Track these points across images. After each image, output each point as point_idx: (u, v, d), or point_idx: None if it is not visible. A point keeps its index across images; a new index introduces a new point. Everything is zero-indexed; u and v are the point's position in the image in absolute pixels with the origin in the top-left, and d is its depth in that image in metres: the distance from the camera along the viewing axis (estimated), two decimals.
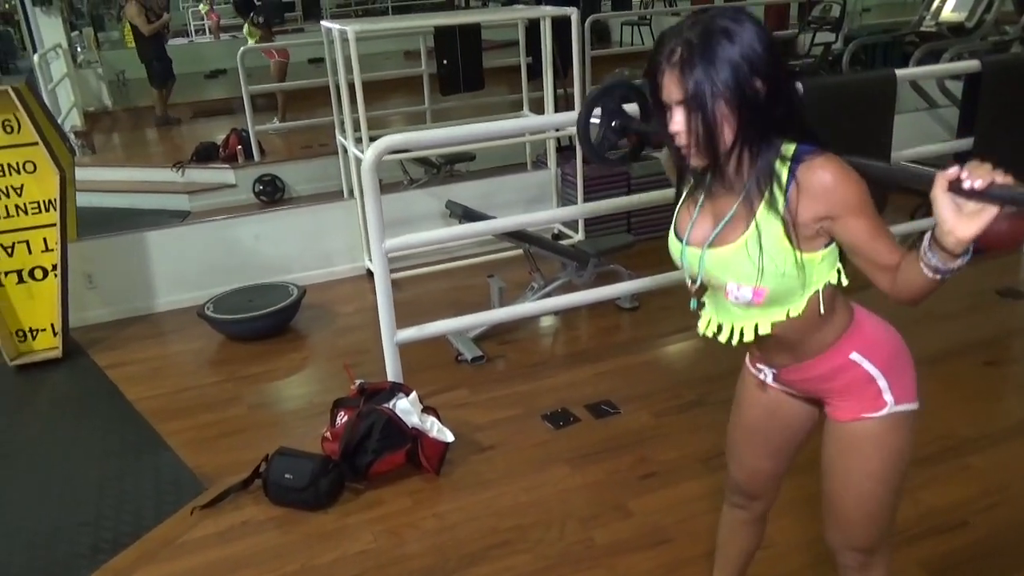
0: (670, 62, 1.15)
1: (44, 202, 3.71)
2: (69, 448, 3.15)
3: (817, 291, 1.28)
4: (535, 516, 2.40)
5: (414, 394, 2.71)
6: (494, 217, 3.67)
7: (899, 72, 3.46)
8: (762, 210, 1.22)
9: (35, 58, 7.01)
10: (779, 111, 1.19)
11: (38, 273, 3.77)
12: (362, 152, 3.40)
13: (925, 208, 4.92)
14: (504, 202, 4.75)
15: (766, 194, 1.22)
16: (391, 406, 2.63)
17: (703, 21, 1.14)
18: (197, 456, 2.94)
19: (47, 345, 3.83)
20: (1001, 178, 0.99)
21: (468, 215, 3.91)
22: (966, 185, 1.00)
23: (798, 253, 1.23)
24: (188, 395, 3.47)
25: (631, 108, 1.74)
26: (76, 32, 9.92)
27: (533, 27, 4.93)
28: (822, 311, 1.30)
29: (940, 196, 1.04)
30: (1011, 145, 3.79)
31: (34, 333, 3.82)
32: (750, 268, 1.25)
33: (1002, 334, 3.48)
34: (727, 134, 1.17)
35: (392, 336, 2.85)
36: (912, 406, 1.37)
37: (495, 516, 2.42)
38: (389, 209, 4.55)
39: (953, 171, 1.02)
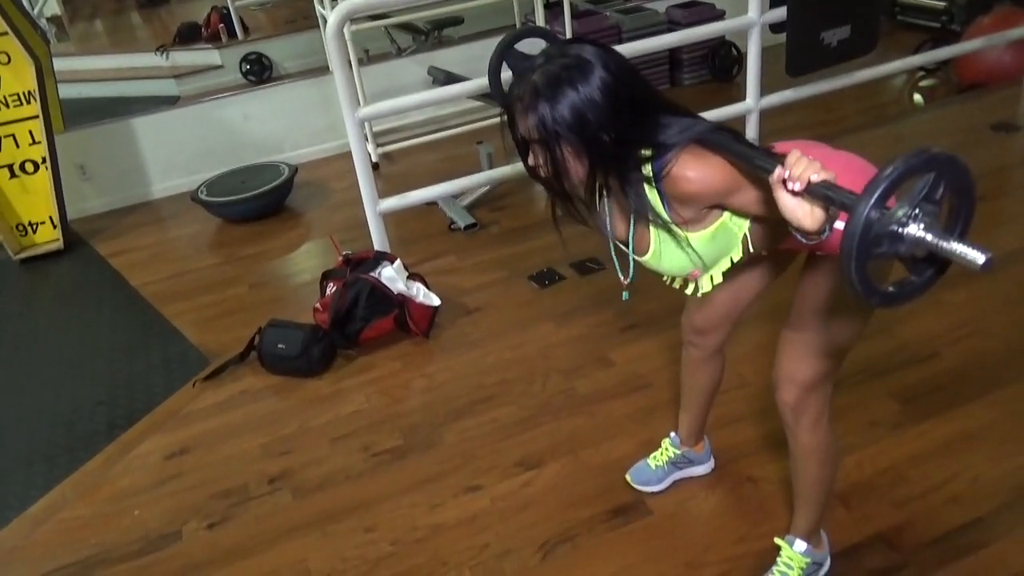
0: (519, 103, 1.17)
1: (23, 94, 3.68)
2: (80, 335, 3.27)
3: (745, 234, 1.31)
4: (519, 371, 2.48)
5: (398, 262, 2.75)
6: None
7: None
8: (654, 233, 1.31)
9: None
10: (630, 148, 1.20)
11: (29, 167, 3.79)
12: None
13: (931, 44, 4.75)
14: None
15: (651, 219, 1.27)
16: (376, 274, 2.68)
17: (552, 69, 1.14)
18: (202, 335, 3.05)
19: (48, 238, 3.91)
20: (817, 176, 0.99)
21: (450, 80, 3.82)
22: (789, 187, 1.01)
23: (705, 232, 1.29)
24: (189, 278, 3.55)
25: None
26: None
27: None
28: (752, 250, 1.33)
29: (777, 193, 1.04)
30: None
31: (34, 227, 3.89)
32: (671, 267, 1.35)
33: (994, 168, 3.42)
34: (578, 171, 1.20)
35: (374, 206, 2.86)
36: None
37: (481, 373, 2.50)
38: (376, 80, 4.50)
39: (778, 172, 1.02)
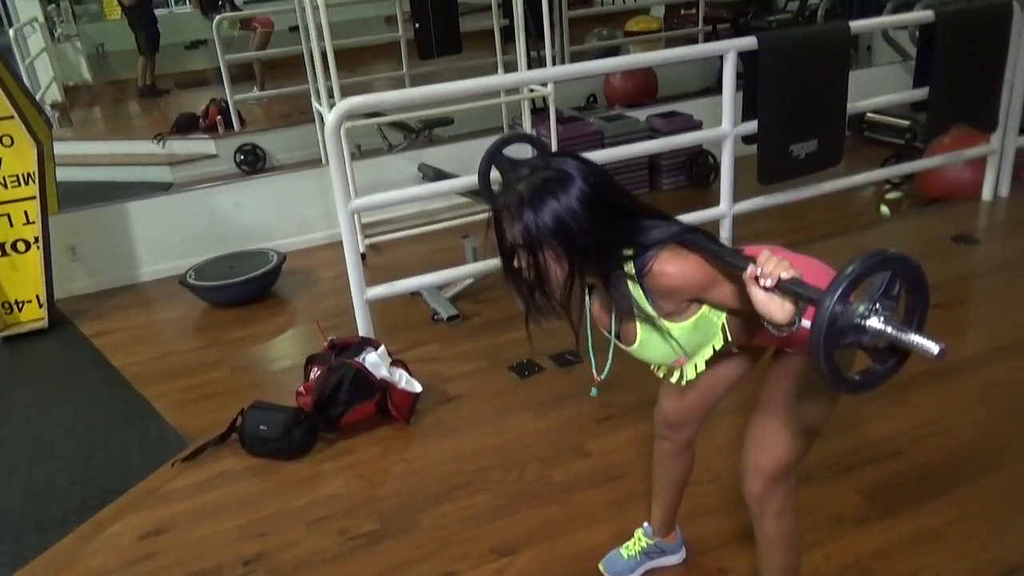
0: (506, 211, 1.27)
1: (23, 175, 3.79)
2: (58, 413, 3.27)
3: (723, 323, 1.41)
4: (497, 459, 2.52)
5: (382, 348, 2.82)
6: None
7: (853, 24, 3.52)
8: (640, 325, 1.39)
9: (11, 32, 7.02)
10: (611, 250, 1.31)
11: (20, 246, 3.86)
12: None
13: (895, 160, 5.03)
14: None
15: (636, 313, 1.37)
16: (360, 359, 2.74)
17: (536, 180, 1.25)
18: (181, 417, 3.06)
19: (33, 316, 3.94)
20: (786, 273, 1.10)
21: (439, 176, 3.99)
22: (761, 283, 1.12)
23: (687, 322, 1.38)
24: (172, 360, 3.58)
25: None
26: (53, 5, 9.87)
27: None
28: (730, 339, 1.42)
29: (750, 289, 1.15)
30: (963, 94, 3.87)
31: (20, 305, 3.93)
32: (657, 356, 1.43)
33: (954, 278, 3.59)
34: (558, 274, 1.29)
35: (361, 293, 2.95)
36: None
37: (460, 460, 2.54)
38: (368, 174, 4.66)
39: (751, 270, 1.13)
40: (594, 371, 1.53)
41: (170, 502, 2.49)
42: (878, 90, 3.73)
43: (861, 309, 1.05)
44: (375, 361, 2.74)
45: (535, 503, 2.30)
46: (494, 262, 3.58)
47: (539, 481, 2.40)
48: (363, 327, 3.05)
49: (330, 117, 2.76)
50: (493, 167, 1.88)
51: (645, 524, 1.99)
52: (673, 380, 1.52)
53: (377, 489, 2.46)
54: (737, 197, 3.58)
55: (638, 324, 1.40)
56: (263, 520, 2.36)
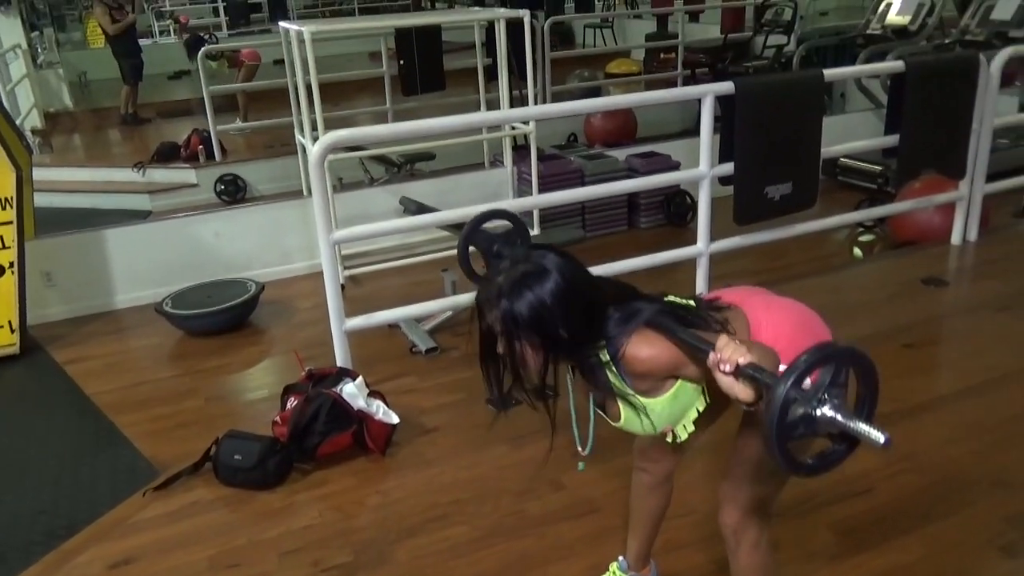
0: (487, 303, 1.35)
1: (1, 200, 3.77)
2: (27, 441, 3.22)
3: (702, 387, 1.47)
4: (473, 491, 2.52)
5: (360, 379, 2.82)
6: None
7: (827, 72, 3.63)
8: (621, 404, 1.47)
9: None
10: (583, 343, 1.38)
11: None
12: None
13: (867, 204, 5.15)
14: (462, 199, 4.83)
15: (616, 395, 1.45)
16: (338, 390, 2.74)
17: (515, 273, 1.33)
18: (154, 446, 3.02)
19: (5, 342, 3.89)
20: (743, 359, 1.17)
21: (421, 210, 4.02)
22: (722, 368, 1.20)
23: (666, 395, 1.45)
24: (146, 388, 3.55)
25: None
26: (37, 33, 9.90)
27: (492, 28, 5.05)
28: (708, 402, 1.49)
29: (715, 373, 1.22)
30: (933, 141, 3.99)
31: None
32: (642, 429, 1.50)
33: (923, 319, 3.67)
34: (535, 363, 1.37)
35: (340, 323, 2.96)
36: None
37: (435, 492, 2.53)
38: (349, 206, 4.69)
39: (712, 357, 1.21)
40: (578, 445, 1.59)
41: (140, 532, 2.45)
42: (851, 136, 3.84)
43: (812, 400, 1.11)
44: (352, 392, 2.74)
45: (510, 536, 2.30)
46: (466, 297, 3.61)
47: (514, 514, 2.40)
48: (341, 358, 3.05)
49: (314, 149, 2.78)
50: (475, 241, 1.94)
51: (620, 558, 1.99)
52: (669, 441, 1.58)
53: (351, 520, 2.44)
54: (714, 237, 3.64)
55: (620, 403, 1.46)
56: (234, 551, 2.33)
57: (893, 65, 3.89)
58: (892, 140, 3.95)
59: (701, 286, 3.74)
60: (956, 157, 4.14)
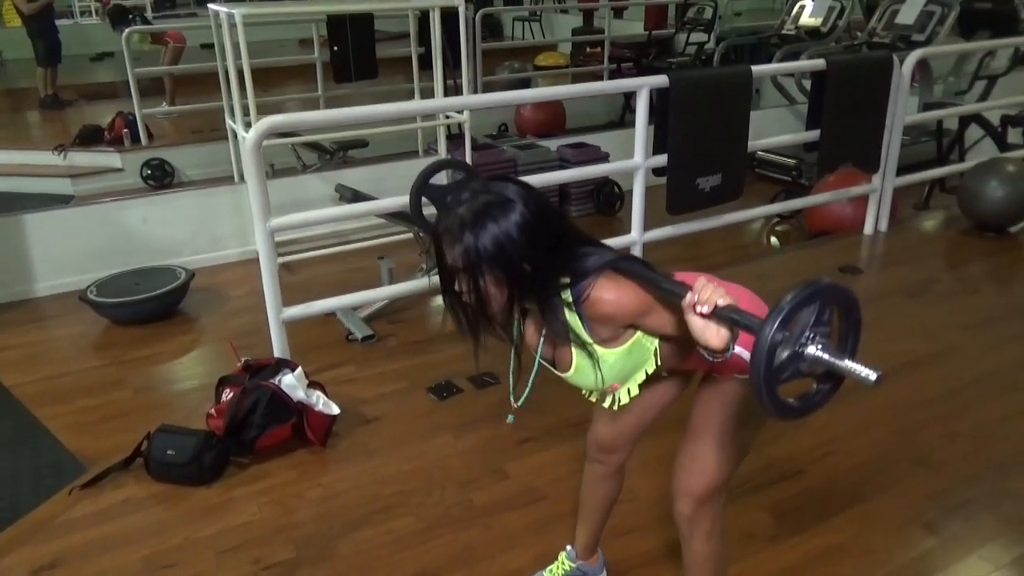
0: (447, 234, 1.28)
1: None
2: None
3: (655, 348, 1.45)
4: (417, 482, 2.51)
5: (299, 369, 2.77)
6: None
7: (755, 68, 3.73)
8: (575, 350, 1.42)
9: None
10: (549, 277, 1.33)
11: None
12: None
13: (784, 195, 5.32)
14: (395, 187, 4.73)
15: (572, 341, 1.40)
16: (276, 381, 2.68)
17: (477, 203, 1.26)
18: (79, 440, 2.91)
19: None
20: (723, 300, 1.15)
21: (357, 198, 3.97)
22: (698, 310, 1.16)
23: (621, 347, 1.42)
24: (69, 379, 3.41)
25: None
26: None
27: (425, 18, 5.00)
28: (660, 364, 1.47)
29: (688, 316, 1.18)
30: (850, 136, 4.16)
31: None
32: (590, 381, 1.45)
33: None
34: (497, 298, 1.31)
35: (278, 313, 2.90)
36: None
37: (378, 484, 2.51)
38: (281, 193, 4.58)
39: (689, 297, 1.17)
40: (512, 398, 1.54)
41: (67, 533, 2.35)
42: (766, 130, 3.96)
43: (799, 338, 1.08)
44: (292, 383, 2.69)
45: (456, 527, 2.30)
46: (411, 284, 3.60)
47: (459, 504, 2.40)
48: (279, 348, 2.99)
49: (250, 135, 2.71)
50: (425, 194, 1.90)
51: (568, 547, 2.01)
52: (606, 405, 1.56)
53: (292, 515, 2.39)
54: (646, 226, 3.72)
55: (573, 351, 1.43)
56: (170, 551, 2.25)
57: (815, 63, 4.02)
58: (813, 135, 4.10)
59: None
60: (871, 152, 4.32)
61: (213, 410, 2.71)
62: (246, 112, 4.04)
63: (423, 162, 5.27)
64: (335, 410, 2.74)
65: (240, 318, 3.91)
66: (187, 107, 6.81)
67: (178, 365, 3.57)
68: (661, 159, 3.61)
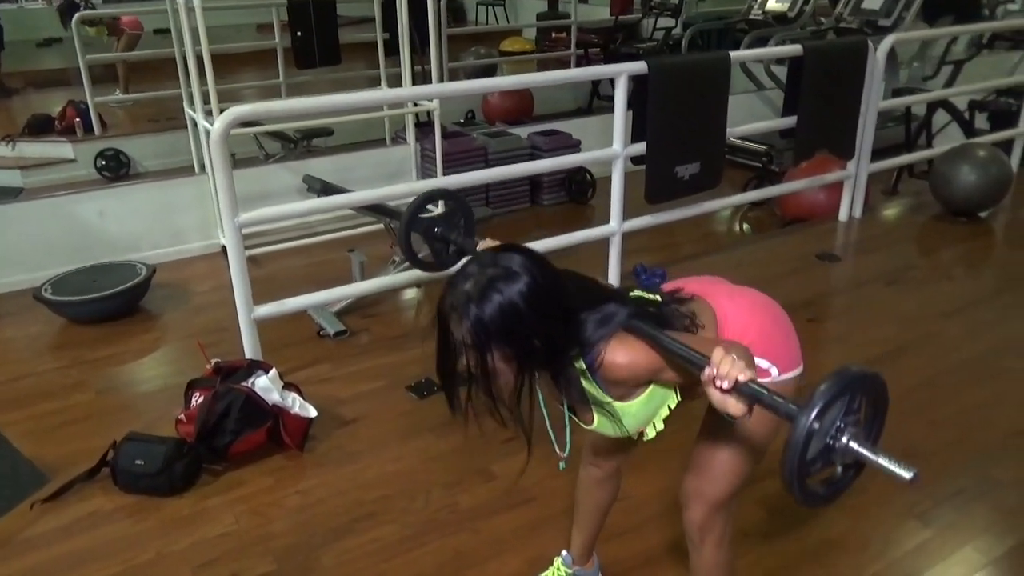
0: (454, 312, 1.24)
1: None
2: None
3: (675, 384, 1.42)
4: (400, 486, 2.42)
5: (274, 371, 2.65)
6: (352, 192, 3.63)
7: (732, 54, 3.68)
8: (596, 415, 1.41)
9: None
10: (559, 351, 1.30)
11: None
12: (212, 125, 3.26)
13: (756, 182, 5.31)
14: (363, 177, 4.70)
15: (593, 409, 1.39)
16: (249, 384, 2.57)
17: (483, 278, 1.22)
18: (38, 447, 2.76)
19: None
20: (743, 375, 1.11)
21: (326, 189, 3.84)
22: (718, 384, 1.12)
23: (640, 398, 1.40)
24: (25, 383, 3.24)
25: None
26: None
27: (389, 2, 4.86)
28: (680, 398, 1.44)
29: (707, 388, 1.16)
30: (827, 121, 4.15)
31: None
32: (615, 432, 1.44)
33: (822, 293, 3.83)
34: (506, 373, 1.27)
35: (249, 312, 2.78)
36: (794, 372, 1.49)
37: (360, 489, 2.42)
38: (244, 184, 4.38)
39: (708, 372, 1.14)
40: (555, 448, 1.52)
41: (29, 551, 2.22)
42: (733, 117, 3.91)
43: (830, 432, 1.06)
44: (266, 386, 2.58)
45: (444, 532, 2.22)
46: (387, 279, 3.49)
47: (446, 508, 2.32)
48: (250, 348, 2.87)
49: (216, 126, 2.58)
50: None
51: (564, 552, 1.95)
52: (635, 439, 1.55)
53: (271, 525, 2.29)
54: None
55: (593, 410, 1.41)
56: (142, 567, 2.14)
57: (792, 49, 3.99)
58: (788, 122, 4.07)
59: (614, 265, 3.76)
60: (847, 138, 4.32)
61: (183, 415, 2.58)
62: (206, 100, 3.87)
63: (391, 151, 5.23)
64: (312, 412, 2.64)
65: (206, 315, 3.76)
66: (142, 95, 6.58)
67: (142, 365, 3.42)
68: (640, 147, 3.55)
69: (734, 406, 1.13)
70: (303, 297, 2.97)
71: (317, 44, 4.85)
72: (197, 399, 2.61)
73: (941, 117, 5.57)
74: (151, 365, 3.43)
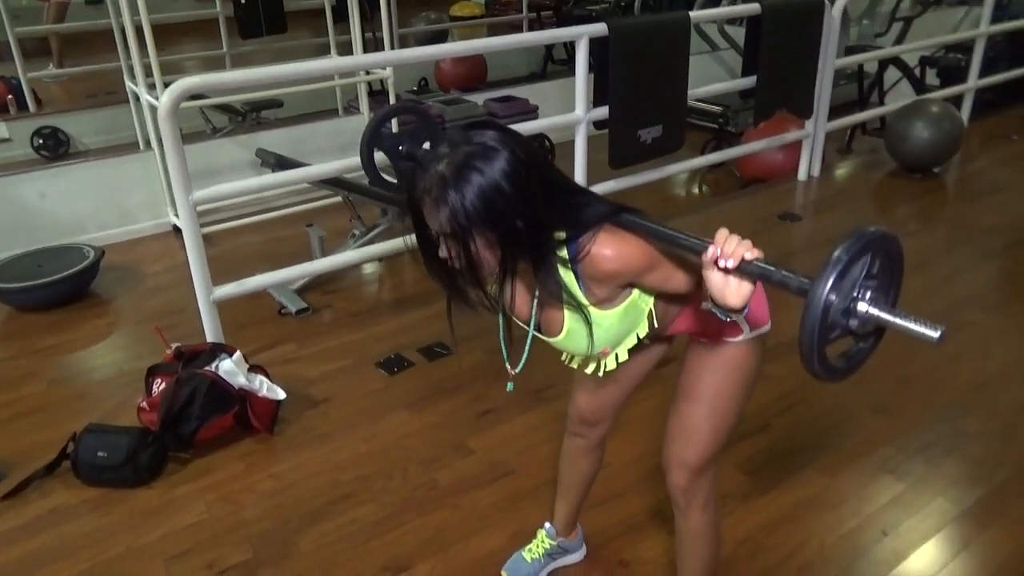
0: (427, 196, 1.12)
1: None
2: None
3: (650, 309, 1.34)
4: (376, 465, 2.37)
5: (238, 353, 2.57)
6: (308, 165, 3.52)
7: (692, 14, 3.64)
8: (567, 313, 1.29)
9: None
10: (545, 233, 1.19)
11: None
12: (157, 99, 3.12)
13: (714, 143, 5.31)
14: (316, 149, 4.57)
15: (566, 303, 1.27)
16: (213, 368, 2.48)
17: (457, 157, 1.10)
18: None
19: None
20: (750, 253, 1.03)
21: (281, 163, 3.73)
22: (721, 264, 1.04)
23: (617, 309, 1.30)
24: None
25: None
26: None
27: None
28: (656, 326, 1.36)
29: (708, 271, 1.07)
30: (786, 80, 4.14)
31: None
32: (582, 346, 1.32)
33: (786, 253, 3.86)
34: (490, 261, 1.17)
35: (208, 294, 2.68)
36: (763, 329, 1.44)
37: (335, 470, 2.36)
38: (192, 160, 4.21)
39: (712, 252, 1.05)
40: (508, 365, 1.41)
41: None
42: (692, 77, 3.87)
43: (849, 296, 0.98)
44: (231, 369, 2.49)
45: (423, 510, 2.18)
46: (345, 256, 3.40)
47: (424, 486, 2.28)
48: (210, 331, 2.77)
49: (164, 100, 2.45)
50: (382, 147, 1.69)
51: (547, 525, 1.93)
52: (589, 371, 1.45)
53: (244, 512, 2.22)
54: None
55: (565, 313, 1.30)
56: (111, 562, 2.06)
57: (749, 8, 3.95)
58: (748, 82, 4.06)
59: None
60: (806, 96, 4.32)
61: (145, 403, 2.49)
62: (148, 73, 3.70)
63: (344, 121, 5.10)
64: (280, 394, 2.56)
65: (160, 297, 3.64)
66: (78, 69, 6.28)
67: (95, 352, 3.29)
68: (602, 111, 3.50)
69: (733, 292, 1.04)
70: (264, 276, 2.87)
71: (262, 12, 4.68)
72: (159, 386, 2.51)
73: (892, 74, 5.63)
74: (105, 352, 3.30)
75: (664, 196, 4.97)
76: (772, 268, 1.03)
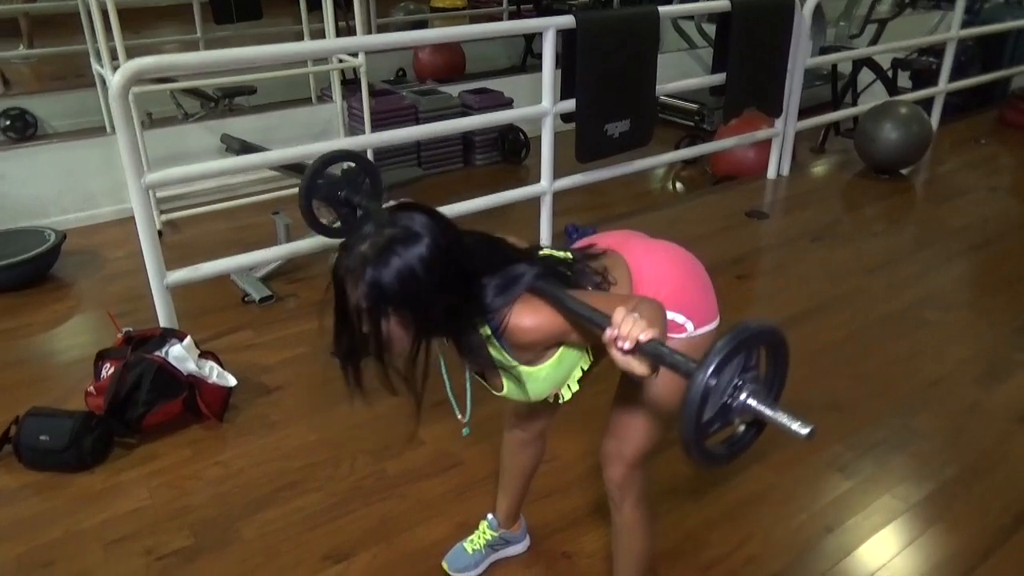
0: (349, 275, 1.16)
1: None
2: None
3: (586, 348, 1.38)
4: (325, 454, 2.35)
5: (188, 339, 2.54)
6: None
7: (661, 9, 3.63)
8: (505, 381, 1.36)
9: None
10: (459, 318, 1.24)
11: None
12: None
13: (688, 141, 5.32)
14: (288, 137, 4.54)
15: (500, 374, 1.34)
16: (163, 353, 2.45)
17: (381, 239, 1.14)
18: None
19: None
20: (645, 336, 1.06)
21: (245, 149, 3.68)
22: (619, 345, 1.07)
23: (550, 361, 1.35)
24: None
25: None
26: None
27: None
28: (592, 359, 1.41)
29: (609, 349, 1.10)
30: (755, 78, 4.15)
31: None
32: (527, 396, 1.39)
33: (751, 250, 3.87)
34: (402, 341, 1.21)
35: (161, 279, 2.64)
36: (711, 326, 1.45)
37: (283, 458, 2.34)
38: (161, 144, 4.23)
39: (609, 333, 1.08)
40: (457, 413, 1.48)
41: None
42: (667, 76, 3.89)
43: (727, 389, 1.01)
44: (180, 354, 2.46)
45: (370, 499, 2.16)
46: (311, 240, 3.36)
47: (372, 475, 2.26)
48: (164, 316, 2.74)
49: (116, 79, 2.41)
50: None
51: (489, 516, 1.92)
52: (551, 401, 1.51)
53: (188, 498, 2.20)
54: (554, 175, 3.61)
55: (502, 375, 1.35)
56: (49, 546, 2.03)
57: (720, 4, 3.95)
58: (719, 78, 4.06)
59: (546, 225, 3.72)
60: (775, 95, 4.33)
61: (92, 387, 2.45)
62: (114, 56, 3.65)
63: (317, 110, 5.05)
64: (231, 381, 2.54)
65: (120, 282, 3.59)
66: (48, 50, 6.19)
67: (52, 337, 3.25)
68: (569, 104, 3.49)
69: (637, 366, 1.08)
70: (219, 261, 2.84)
71: None
72: (107, 370, 2.48)
73: (866, 75, 5.65)
74: (63, 336, 3.26)
75: (637, 191, 4.97)
76: (665, 350, 1.06)
